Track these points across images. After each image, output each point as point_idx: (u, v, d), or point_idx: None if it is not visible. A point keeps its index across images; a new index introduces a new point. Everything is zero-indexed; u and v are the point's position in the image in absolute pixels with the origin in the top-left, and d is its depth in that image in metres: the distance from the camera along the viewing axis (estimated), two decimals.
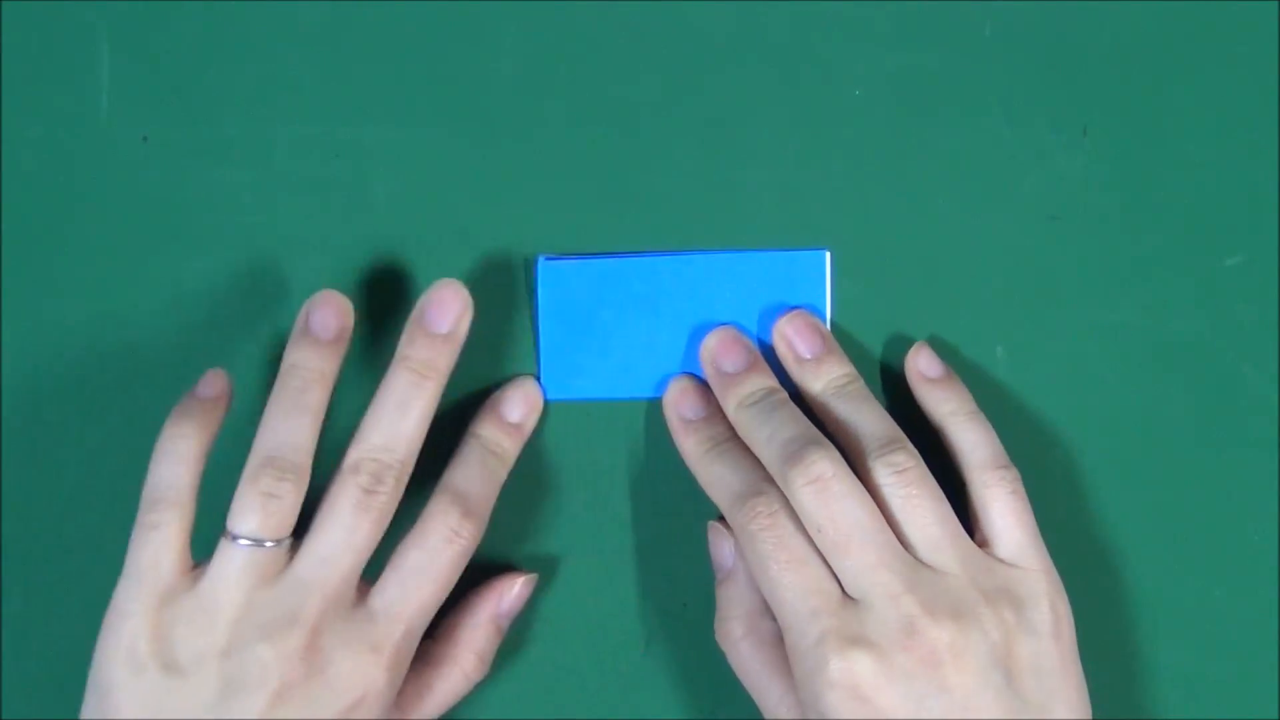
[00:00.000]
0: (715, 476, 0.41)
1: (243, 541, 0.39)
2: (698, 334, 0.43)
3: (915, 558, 0.38)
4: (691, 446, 0.42)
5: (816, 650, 0.37)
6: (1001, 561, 0.39)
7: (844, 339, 0.44)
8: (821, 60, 0.44)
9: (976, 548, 0.39)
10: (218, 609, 0.38)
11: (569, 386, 0.44)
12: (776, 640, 0.41)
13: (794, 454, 0.39)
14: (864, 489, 0.38)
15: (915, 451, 0.40)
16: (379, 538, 0.40)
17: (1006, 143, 0.44)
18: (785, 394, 0.41)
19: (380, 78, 0.44)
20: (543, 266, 0.43)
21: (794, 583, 0.38)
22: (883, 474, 0.39)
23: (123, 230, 0.44)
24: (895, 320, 0.43)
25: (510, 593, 0.43)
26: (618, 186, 0.44)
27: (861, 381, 0.42)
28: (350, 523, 0.39)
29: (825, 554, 0.38)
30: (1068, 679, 0.38)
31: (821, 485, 0.38)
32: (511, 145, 0.44)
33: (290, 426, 0.39)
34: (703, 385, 0.43)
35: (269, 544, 0.39)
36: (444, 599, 0.40)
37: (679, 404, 0.43)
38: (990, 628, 0.37)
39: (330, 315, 0.41)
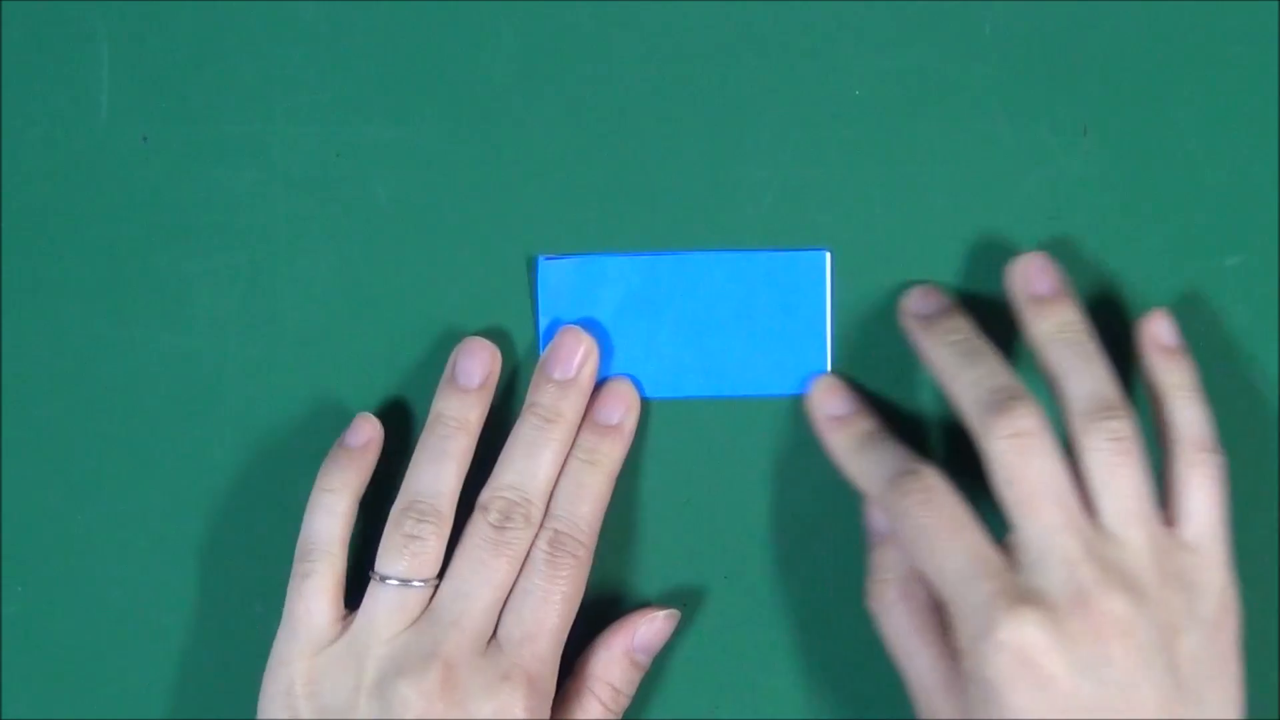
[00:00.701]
0: (866, 465, 0.41)
1: (391, 582, 0.40)
2: (697, 333, 0.43)
3: (1101, 525, 0.38)
4: (841, 441, 0.42)
5: (985, 611, 0.37)
6: (1184, 545, 0.39)
7: (844, 339, 0.44)
8: (821, 60, 0.44)
9: (1165, 528, 0.39)
10: (365, 650, 0.40)
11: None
12: (931, 606, 0.40)
13: (1000, 403, 0.38)
14: (1062, 450, 0.38)
15: (1135, 420, 0.39)
16: (513, 574, 0.41)
17: (1006, 143, 0.44)
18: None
19: (380, 78, 0.44)
20: (543, 265, 0.43)
21: (956, 548, 0.38)
22: (1097, 438, 0.38)
23: (123, 230, 0.44)
24: (895, 320, 0.43)
25: (648, 626, 0.43)
26: (618, 186, 0.44)
27: (1093, 335, 0.41)
28: (480, 557, 0.40)
29: (1008, 509, 0.38)
30: (1225, 673, 0.38)
31: (1023, 441, 0.38)
32: (511, 145, 0.44)
33: (434, 472, 0.41)
34: (845, 382, 0.43)
35: (415, 584, 0.40)
36: (569, 621, 0.41)
37: (824, 402, 0.43)
38: (1160, 610, 0.37)
39: (475, 364, 0.42)
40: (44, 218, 0.44)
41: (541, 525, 0.41)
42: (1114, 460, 0.38)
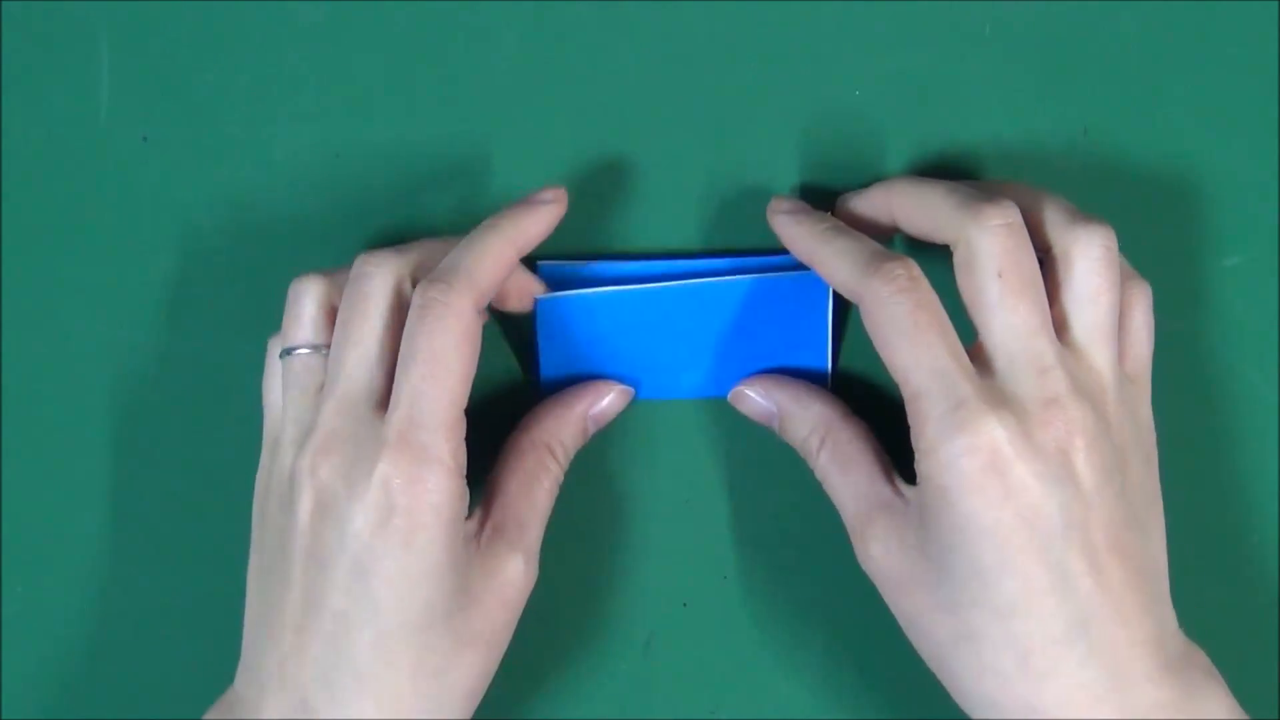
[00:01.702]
0: (837, 250, 0.38)
1: (284, 358, 0.40)
2: (700, 358, 0.43)
3: (1070, 340, 0.37)
4: (804, 231, 0.40)
5: (955, 414, 0.35)
6: (1128, 376, 0.39)
7: (844, 339, 0.44)
8: (821, 60, 0.44)
9: (1118, 360, 0.38)
10: (280, 433, 0.39)
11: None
12: (856, 440, 0.40)
13: (985, 199, 0.37)
14: None
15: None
16: (370, 328, 0.38)
17: (1006, 143, 0.44)
18: None
19: (380, 78, 0.44)
20: (541, 305, 0.42)
21: (936, 342, 0.36)
22: (1085, 245, 0.38)
23: (123, 230, 0.44)
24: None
25: (611, 399, 0.42)
26: (617, 186, 0.44)
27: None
28: (343, 319, 0.38)
29: (988, 306, 0.37)
30: (1158, 509, 0.38)
31: (1013, 229, 0.37)
32: (512, 146, 0.44)
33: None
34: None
35: (298, 351, 0.39)
36: (459, 370, 0.37)
37: (779, 204, 0.41)
38: (1117, 434, 0.37)
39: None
40: (44, 218, 0.44)
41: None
42: (1098, 281, 0.38)
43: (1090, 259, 0.38)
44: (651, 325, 0.43)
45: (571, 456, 0.42)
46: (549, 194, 0.41)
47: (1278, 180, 0.44)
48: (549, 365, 0.43)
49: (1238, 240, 0.44)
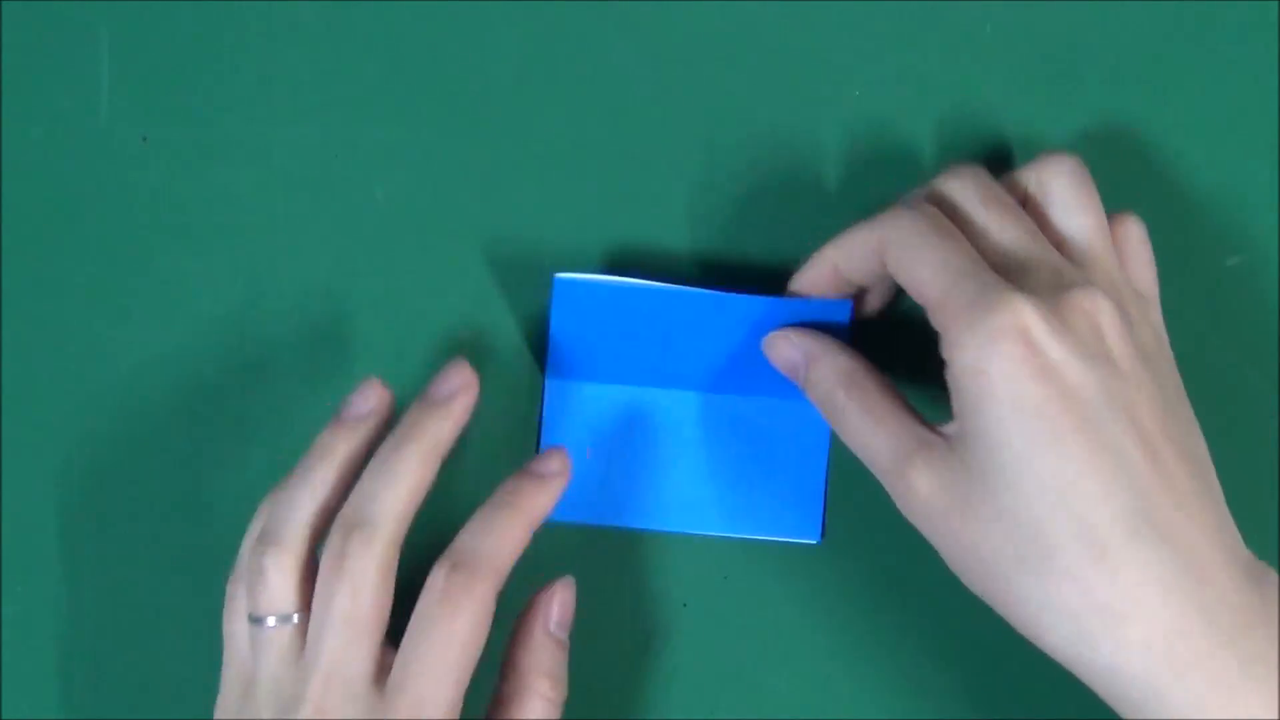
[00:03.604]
0: (844, 241, 0.40)
1: (254, 624, 0.38)
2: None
3: (1069, 250, 0.38)
4: (806, 278, 0.41)
5: (982, 298, 0.35)
6: (1137, 292, 0.39)
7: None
8: (821, 59, 0.44)
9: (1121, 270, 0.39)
10: (251, 697, 0.37)
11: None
12: (883, 388, 0.38)
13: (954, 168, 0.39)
14: None
15: None
16: (363, 604, 0.37)
17: (1006, 143, 0.44)
18: None
19: (380, 78, 0.44)
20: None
21: (954, 247, 0.36)
22: (1055, 169, 0.39)
23: (123, 230, 0.44)
24: (896, 320, 0.43)
25: (552, 603, 0.40)
26: (616, 186, 0.44)
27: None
28: (325, 595, 0.37)
29: (985, 232, 0.37)
30: (1189, 414, 0.38)
31: (979, 172, 0.38)
32: (512, 145, 0.44)
33: (286, 499, 0.38)
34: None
35: (269, 622, 0.37)
36: (473, 655, 0.37)
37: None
38: (1138, 331, 0.37)
39: (362, 400, 0.40)
40: (44, 218, 0.44)
41: (437, 561, 0.37)
42: (1074, 196, 0.38)
43: (1063, 175, 0.38)
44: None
45: (564, 675, 0.40)
46: (554, 463, 0.39)
47: (1278, 180, 0.44)
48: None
49: (1238, 240, 0.44)
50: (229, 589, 0.39)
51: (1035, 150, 0.43)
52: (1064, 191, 0.38)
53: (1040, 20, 0.44)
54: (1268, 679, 0.33)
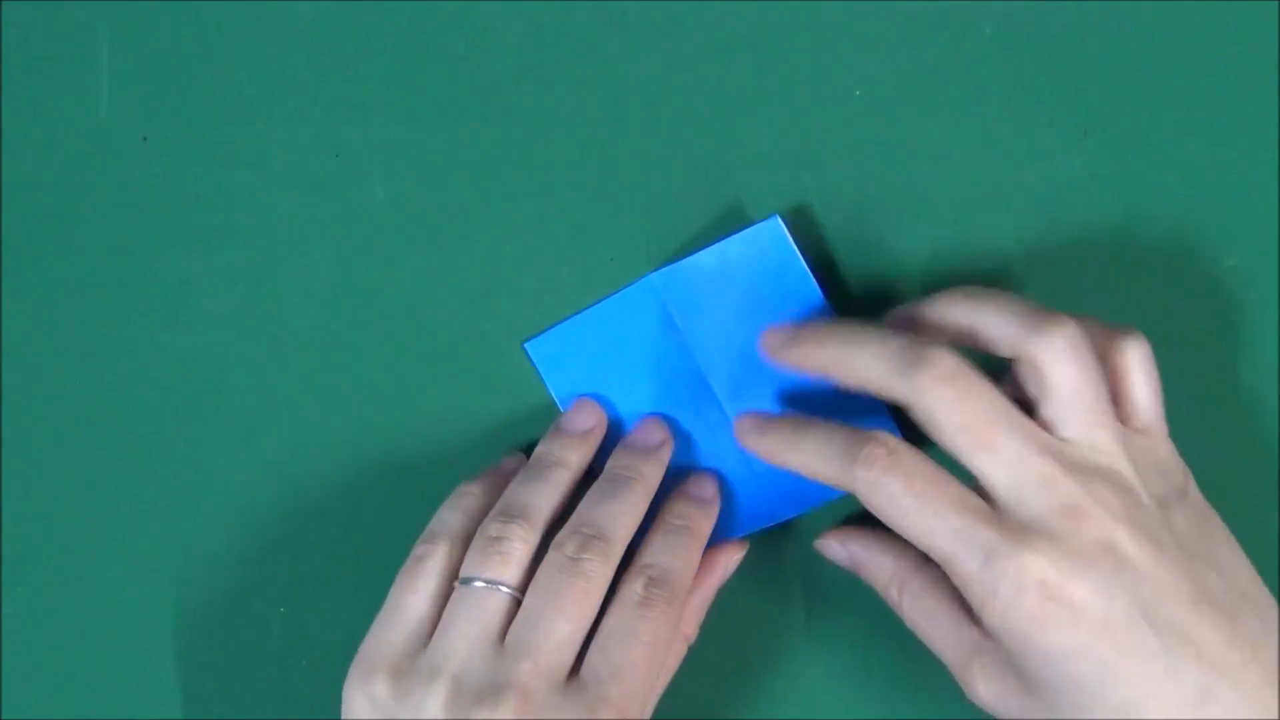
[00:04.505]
0: (811, 449, 0.38)
1: (477, 584, 0.39)
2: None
3: (1065, 437, 0.37)
4: (773, 441, 0.40)
5: (990, 566, 0.35)
6: (1138, 431, 0.39)
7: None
8: (822, 59, 0.44)
9: (1119, 422, 0.38)
10: (440, 666, 0.38)
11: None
12: (933, 587, 0.39)
13: (915, 356, 0.36)
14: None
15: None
16: (588, 610, 0.39)
17: (1006, 143, 0.44)
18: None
19: (380, 78, 0.44)
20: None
21: (941, 506, 0.36)
22: (1049, 349, 0.37)
23: (123, 230, 0.44)
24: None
25: (729, 566, 0.43)
26: (617, 186, 0.44)
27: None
28: (554, 587, 0.39)
29: (968, 456, 0.36)
30: (1217, 532, 0.38)
31: (956, 381, 0.36)
32: (512, 145, 0.44)
33: (530, 489, 0.41)
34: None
35: (501, 588, 0.39)
36: (658, 669, 0.39)
37: (741, 424, 0.41)
38: (1145, 494, 0.37)
39: (580, 417, 0.43)
40: (44, 218, 0.44)
41: (631, 573, 0.40)
42: (1064, 369, 0.37)
43: (1058, 360, 0.37)
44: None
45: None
46: (709, 489, 0.43)
47: (1278, 180, 0.44)
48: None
49: (1238, 240, 0.44)
50: (417, 550, 0.40)
51: (1035, 150, 0.43)
52: (1060, 379, 0.37)
53: (1040, 20, 0.44)
54: None
